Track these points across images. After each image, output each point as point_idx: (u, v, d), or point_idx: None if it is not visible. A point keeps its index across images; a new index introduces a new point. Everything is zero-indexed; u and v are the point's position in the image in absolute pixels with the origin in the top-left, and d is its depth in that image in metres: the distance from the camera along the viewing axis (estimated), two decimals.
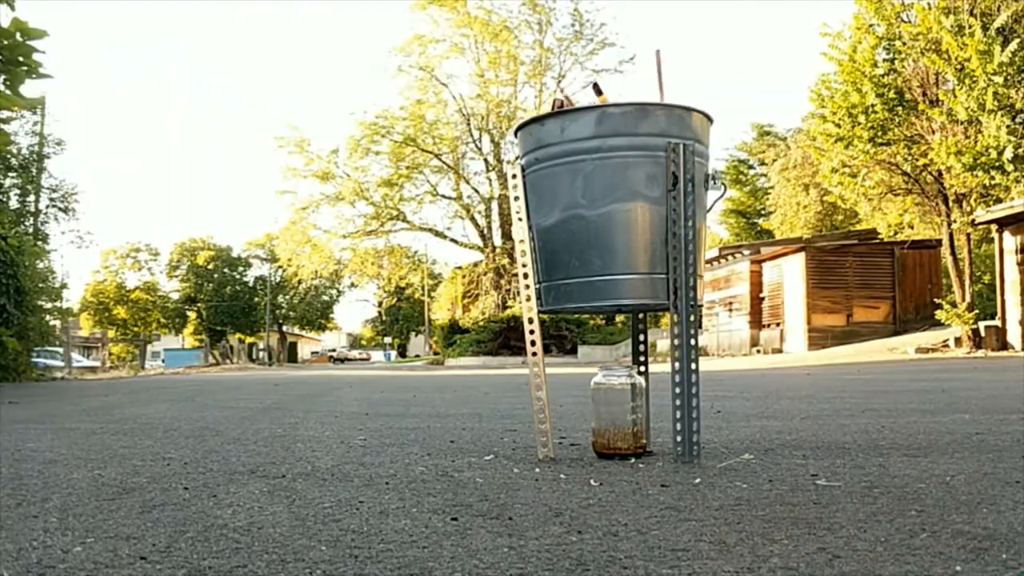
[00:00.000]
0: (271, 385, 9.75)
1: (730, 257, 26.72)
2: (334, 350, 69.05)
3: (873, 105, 16.82)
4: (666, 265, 2.43)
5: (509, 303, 33.99)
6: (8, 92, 4.12)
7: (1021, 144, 14.70)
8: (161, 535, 1.55)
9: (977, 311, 17.58)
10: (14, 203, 23.93)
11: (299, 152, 35.72)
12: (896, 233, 19.91)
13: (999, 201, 16.12)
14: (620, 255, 2.44)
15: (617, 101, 2.55)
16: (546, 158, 2.52)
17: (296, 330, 65.43)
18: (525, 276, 2.56)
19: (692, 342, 2.40)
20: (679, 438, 2.40)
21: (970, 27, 15.12)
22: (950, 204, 17.49)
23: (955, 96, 15.35)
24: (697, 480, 2.11)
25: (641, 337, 2.80)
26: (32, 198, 24.58)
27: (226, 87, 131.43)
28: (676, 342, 2.40)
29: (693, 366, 2.39)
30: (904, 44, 16.88)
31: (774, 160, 31.07)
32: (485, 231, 36.44)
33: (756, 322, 25.10)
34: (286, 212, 43.33)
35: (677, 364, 2.39)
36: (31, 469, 2.48)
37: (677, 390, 2.39)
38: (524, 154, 2.62)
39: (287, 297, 60.03)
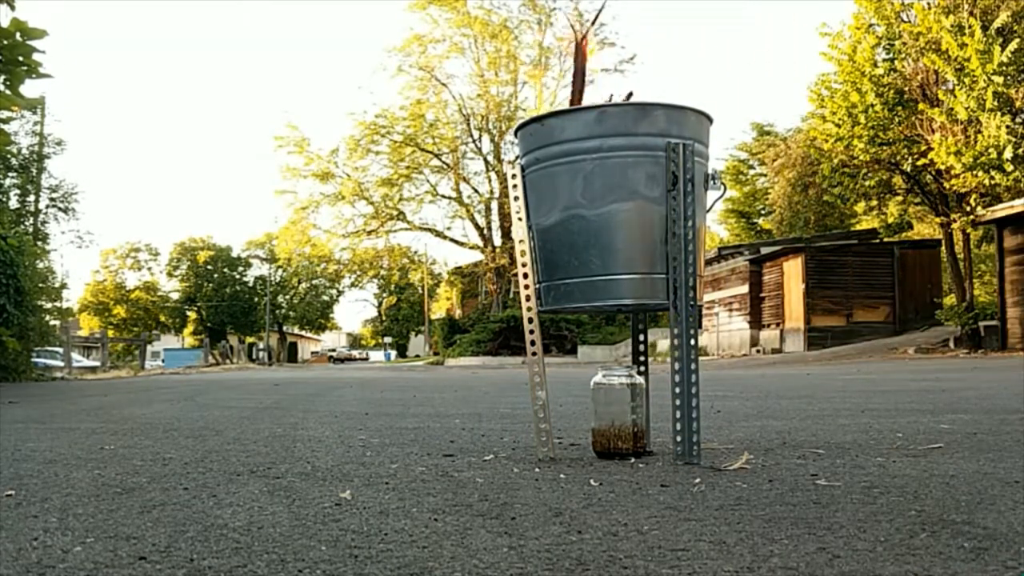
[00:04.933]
0: (271, 385, 9.75)
1: (730, 257, 26.73)
2: (334, 350, 69.03)
3: (873, 105, 16.83)
4: (666, 265, 2.43)
5: (509, 303, 33.98)
6: (8, 92, 4.12)
7: (1021, 144, 14.70)
8: (161, 535, 1.55)
9: (977, 311, 17.58)
10: (14, 203, 23.94)
11: (299, 152, 35.73)
12: (896, 233, 19.92)
13: (999, 201, 16.13)
14: (620, 255, 2.44)
15: (617, 101, 2.55)
16: (546, 158, 2.53)
17: (296, 330, 65.46)
18: (525, 276, 2.56)
19: (692, 342, 2.40)
20: (679, 438, 2.40)
21: (970, 27, 15.13)
22: (950, 204, 17.50)
23: (955, 96, 15.35)
24: (697, 480, 2.11)
25: (641, 337, 2.80)
26: (32, 198, 24.59)
27: (226, 87, 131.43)
28: (676, 342, 2.40)
29: (693, 366, 2.39)
30: (904, 44, 16.89)
31: (774, 160, 31.08)
32: (485, 231, 36.44)
33: (756, 322, 25.11)
34: (286, 212, 43.36)
35: (677, 364, 2.39)
36: (31, 469, 2.48)
37: (677, 390, 2.39)
38: (524, 154, 2.62)
39: (287, 297, 60.05)
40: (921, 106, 16.32)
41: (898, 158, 17.39)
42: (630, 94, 2.56)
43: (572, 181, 2.47)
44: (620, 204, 2.43)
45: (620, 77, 46.07)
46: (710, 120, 2.59)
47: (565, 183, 2.49)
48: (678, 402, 2.39)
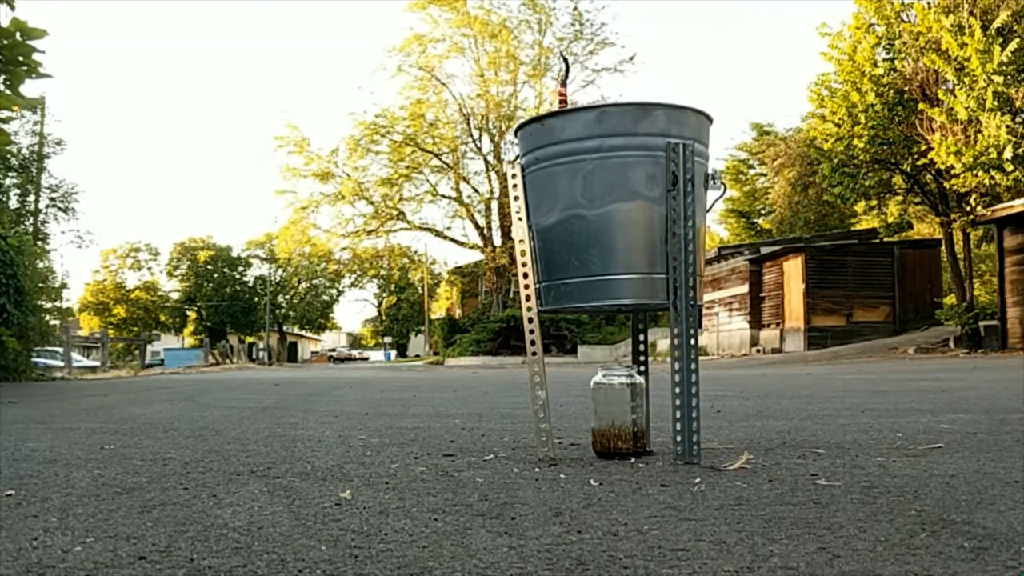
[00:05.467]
0: (271, 385, 9.75)
1: (730, 257, 26.73)
2: (334, 350, 69.02)
3: (873, 105, 16.82)
4: (666, 265, 2.43)
5: (509, 303, 33.97)
6: (8, 92, 4.12)
7: (1021, 144, 14.69)
8: (161, 535, 1.55)
9: (977, 311, 17.58)
10: (14, 203, 23.93)
11: (299, 152, 35.71)
12: (896, 233, 19.90)
13: (999, 201, 16.12)
14: (620, 255, 2.44)
15: (617, 101, 2.55)
16: (546, 158, 2.53)
17: (296, 330, 65.44)
18: (525, 276, 2.56)
19: (692, 342, 2.40)
20: (679, 438, 2.40)
21: (970, 26, 15.12)
22: (950, 204, 17.50)
23: (955, 96, 15.35)
24: (697, 480, 2.11)
25: (641, 337, 2.80)
26: (32, 198, 24.58)
27: (226, 87, 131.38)
28: (676, 342, 2.40)
29: (693, 366, 2.39)
30: (904, 44, 16.88)
31: (774, 160, 31.07)
32: (485, 231, 36.42)
33: (756, 322, 25.11)
34: (286, 212, 43.36)
35: (677, 364, 2.39)
36: (31, 469, 2.48)
37: (677, 390, 2.39)
38: (524, 154, 2.62)
39: (287, 297, 60.05)
40: (921, 106, 16.31)
41: (898, 158, 17.39)
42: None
43: (572, 181, 2.48)
44: (620, 204, 2.43)
45: (620, 77, 45.94)
46: (710, 120, 2.59)
47: (565, 183, 2.49)
48: (678, 402, 2.39)
